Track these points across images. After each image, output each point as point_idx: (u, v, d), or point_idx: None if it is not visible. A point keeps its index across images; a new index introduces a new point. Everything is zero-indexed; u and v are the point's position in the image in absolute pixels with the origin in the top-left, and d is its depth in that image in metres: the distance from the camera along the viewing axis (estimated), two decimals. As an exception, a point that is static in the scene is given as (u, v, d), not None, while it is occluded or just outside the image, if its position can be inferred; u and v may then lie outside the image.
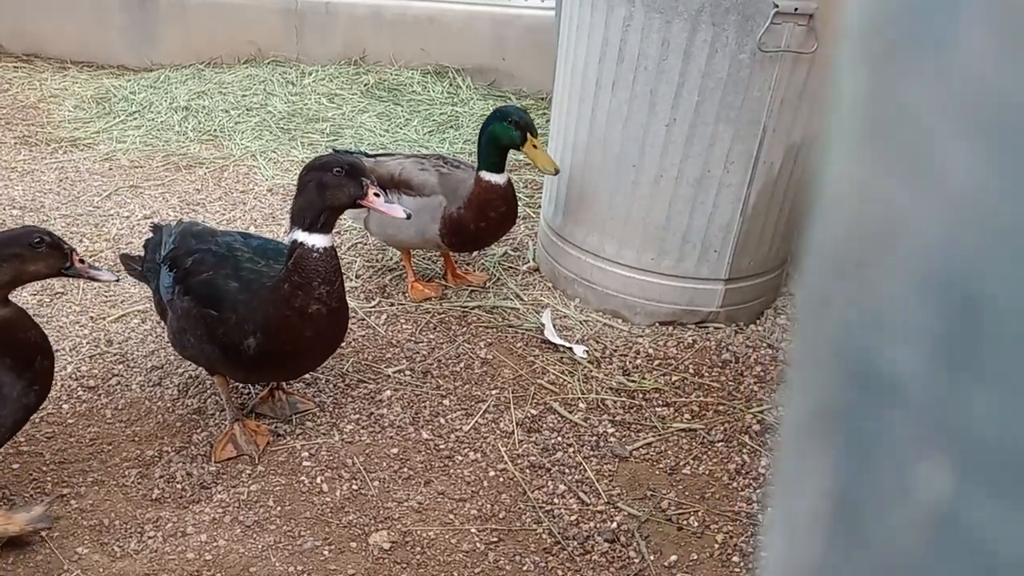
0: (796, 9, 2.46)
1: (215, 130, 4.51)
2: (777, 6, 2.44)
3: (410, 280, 3.11)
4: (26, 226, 1.94)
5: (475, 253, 3.38)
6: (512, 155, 2.94)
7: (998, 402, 0.26)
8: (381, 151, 3.34)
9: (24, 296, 2.98)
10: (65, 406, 2.48)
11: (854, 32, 0.30)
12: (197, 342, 2.21)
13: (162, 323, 2.52)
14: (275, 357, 2.18)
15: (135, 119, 4.63)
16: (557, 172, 2.79)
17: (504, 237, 3.47)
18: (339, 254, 3.31)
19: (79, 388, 2.56)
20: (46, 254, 1.89)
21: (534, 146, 2.78)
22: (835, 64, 0.32)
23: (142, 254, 2.50)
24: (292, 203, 2.21)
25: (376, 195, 2.17)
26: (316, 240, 2.13)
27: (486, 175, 2.84)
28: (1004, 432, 0.26)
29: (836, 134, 0.32)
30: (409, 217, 2.28)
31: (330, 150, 3.23)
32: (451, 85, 5.16)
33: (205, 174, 4.03)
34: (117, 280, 2.16)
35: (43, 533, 2.04)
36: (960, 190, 0.26)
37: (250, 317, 2.13)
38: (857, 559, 0.30)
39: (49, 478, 2.22)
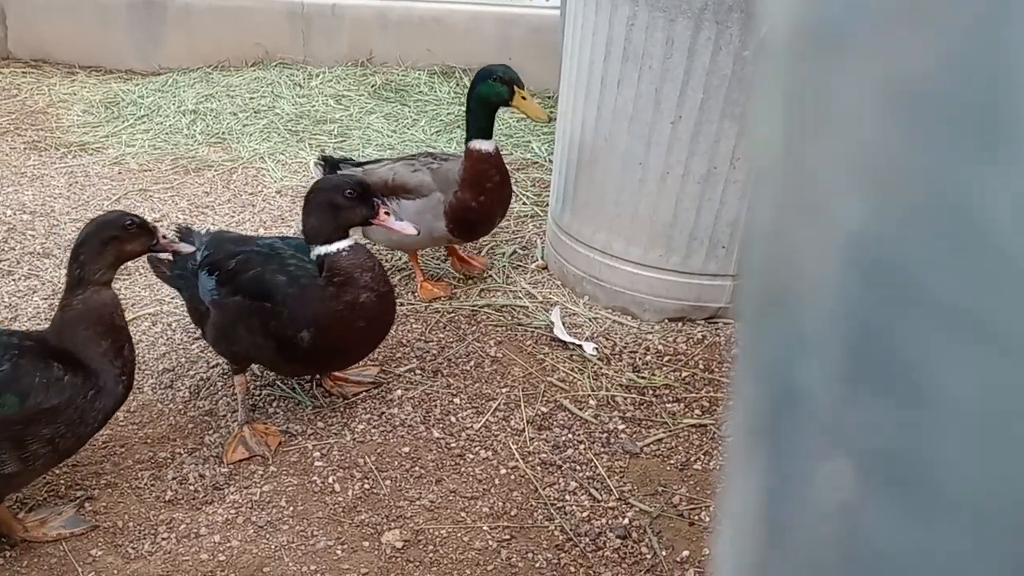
0: (801, 4, 2.46)
1: (223, 133, 4.53)
2: (782, 2, 2.44)
3: (419, 280, 3.12)
4: (114, 211, 2.10)
5: (481, 240, 3.39)
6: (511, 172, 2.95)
7: (888, 413, 0.30)
8: (368, 158, 3.31)
9: (35, 301, 3.00)
10: (78, 409, 2.50)
11: (769, 92, 0.34)
12: (250, 336, 2.26)
13: (195, 327, 2.55)
14: (329, 350, 2.26)
15: (143, 123, 4.65)
16: (550, 120, 2.89)
17: (511, 236, 3.48)
18: (348, 255, 3.33)
19: (92, 391, 2.57)
20: (138, 234, 2.05)
21: (523, 98, 2.84)
22: (751, 117, 0.35)
23: (170, 259, 2.48)
24: (303, 221, 2.27)
25: (387, 214, 2.22)
26: (339, 245, 2.22)
27: (476, 144, 2.87)
28: (896, 438, 0.30)
29: (757, 181, 0.35)
30: (419, 233, 2.32)
31: (318, 160, 3.22)
32: (458, 85, 5.17)
33: (214, 177, 4.05)
34: (194, 251, 2.27)
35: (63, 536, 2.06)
36: (850, 237, 0.30)
37: (302, 312, 2.20)
38: (782, 556, 0.35)
39: (63, 481, 2.24)
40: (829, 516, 0.32)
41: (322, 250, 2.23)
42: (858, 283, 0.30)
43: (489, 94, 2.83)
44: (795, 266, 0.32)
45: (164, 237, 2.13)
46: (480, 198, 2.89)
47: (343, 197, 2.21)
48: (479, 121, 2.87)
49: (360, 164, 3.18)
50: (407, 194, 2.95)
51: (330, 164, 3.17)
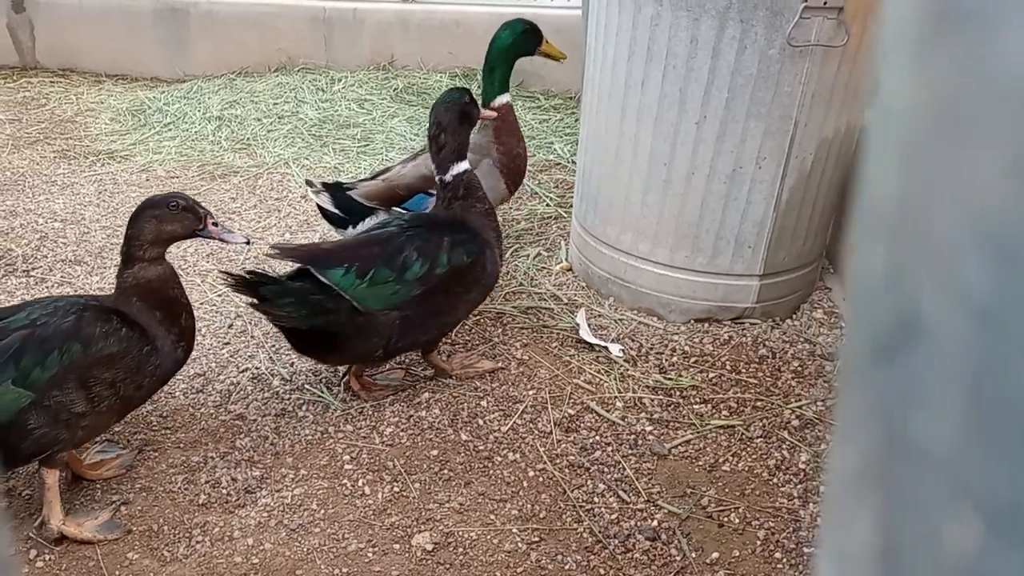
0: (825, 2, 2.45)
1: (248, 139, 4.57)
2: (806, 0, 2.44)
3: None
4: (170, 192, 2.17)
5: (508, 253, 3.40)
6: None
7: (1015, 469, 0.30)
8: (379, 169, 3.36)
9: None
10: (111, 414, 2.53)
11: (885, 144, 0.33)
12: (467, 293, 2.46)
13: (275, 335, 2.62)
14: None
15: (170, 130, 4.70)
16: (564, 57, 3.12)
17: (535, 238, 3.49)
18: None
19: (124, 396, 2.61)
20: (181, 216, 2.12)
21: (547, 41, 3.21)
22: (867, 158, 0.35)
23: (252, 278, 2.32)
24: (436, 154, 2.49)
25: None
26: (465, 164, 2.52)
27: (501, 98, 3.14)
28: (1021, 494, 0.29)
29: (868, 229, 0.35)
30: (249, 243, 2.52)
31: (320, 188, 3.04)
32: (478, 87, 5.18)
33: (240, 182, 4.08)
34: (248, 244, 2.32)
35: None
36: (979, 302, 0.30)
37: (487, 243, 2.48)
38: None
39: (98, 485, 2.27)
40: (953, 565, 0.31)
41: (458, 168, 2.48)
42: (983, 334, 0.30)
43: (523, 43, 3.11)
44: (915, 316, 0.32)
45: (215, 224, 2.18)
46: (520, 143, 3.16)
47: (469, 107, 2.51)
48: (502, 76, 3.13)
49: (378, 175, 3.13)
50: None
51: (329, 189, 3.01)
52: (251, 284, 2.26)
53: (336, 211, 2.97)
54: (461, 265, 2.39)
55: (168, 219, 2.10)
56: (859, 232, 0.35)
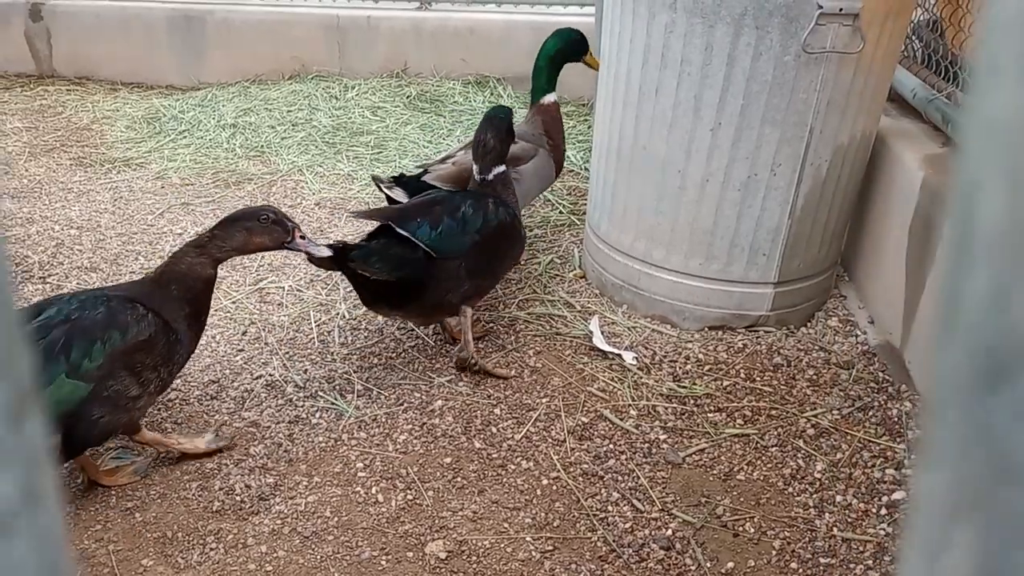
0: (841, 9, 2.44)
1: (262, 146, 4.59)
2: (821, 7, 2.43)
3: None
4: (261, 204, 2.31)
5: (523, 261, 3.40)
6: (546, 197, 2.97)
7: None
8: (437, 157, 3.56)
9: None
10: (126, 421, 2.54)
11: (992, 159, 0.32)
12: (510, 248, 2.81)
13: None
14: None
15: (184, 138, 4.72)
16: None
17: (549, 246, 3.49)
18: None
19: (139, 403, 2.62)
20: (270, 228, 2.27)
21: (590, 52, 3.50)
22: (963, 176, 0.33)
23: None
24: (483, 157, 2.79)
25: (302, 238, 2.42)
26: (503, 167, 2.83)
27: (549, 97, 3.43)
28: None
29: (969, 248, 0.33)
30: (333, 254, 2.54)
31: (389, 182, 3.14)
32: (492, 94, 5.19)
33: (254, 190, 4.09)
34: (332, 255, 2.42)
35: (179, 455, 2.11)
36: None
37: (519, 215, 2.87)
38: None
39: (113, 492, 2.27)
40: None
41: (498, 168, 2.82)
42: None
43: (576, 49, 3.38)
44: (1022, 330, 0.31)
45: (302, 237, 2.34)
46: (562, 136, 3.46)
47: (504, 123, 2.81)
48: (550, 77, 3.41)
49: (442, 159, 3.27)
50: (518, 163, 3.24)
51: (408, 183, 3.11)
52: (338, 257, 2.43)
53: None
54: (505, 221, 2.74)
55: (259, 231, 2.26)
56: (957, 253, 0.34)
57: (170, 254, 2.29)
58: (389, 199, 3.08)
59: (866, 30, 2.49)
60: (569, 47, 3.39)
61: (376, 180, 3.10)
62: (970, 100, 0.32)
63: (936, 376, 0.36)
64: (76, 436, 2.08)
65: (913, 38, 3.41)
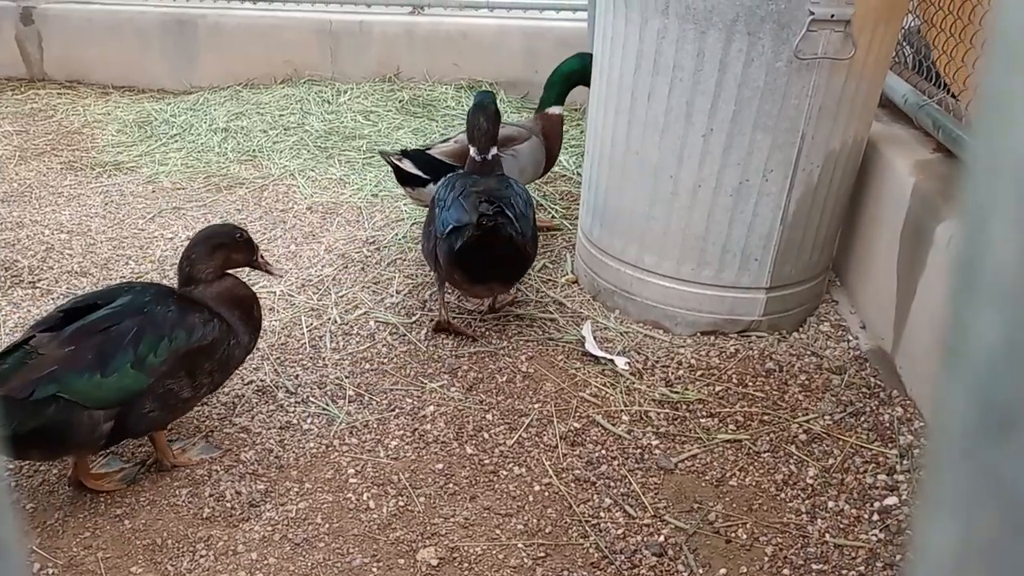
0: (833, 15, 2.45)
1: (254, 150, 4.58)
2: (813, 13, 2.43)
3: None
4: (224, 223, 2.41)
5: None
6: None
7: None
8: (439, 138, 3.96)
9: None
10: (116, 427, 2.53)
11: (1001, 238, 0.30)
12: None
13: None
14: None
15: (176, 141, 4.71)
16: None
17: (541, 250, 3.48)
18: (378, 272, 3.35)
19: (129, 409, 2.60)
20: (244, 247, 2.37)
21: None
22: (971, 219, 0.32)
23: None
24: (479, 139, 3.00)
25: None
26: (495, 150, 3.06)
27: (554, 108, 3.63)
28: None
29: (978, 294, 0.32)
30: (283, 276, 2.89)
31: (398, 156, 3.51)
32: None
33: (245, 194, 4.08)
34: (282, 277, 2.57)
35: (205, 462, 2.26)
36: None
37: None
38: None
39: (102, 498, 2.26)
40: None
41: (494, 150, 3.05)
42: None
43: (584, 74, 3.44)
44: None
45: (262, 258, 2.46)
46: (558, 145, 3.69)
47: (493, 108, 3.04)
48: (560, 92, 3.61)
49: (443, 140, 3.62)
50: (513, 143, 3.47)
51: (415, 156, 3.47)
52: (488, 226, 2.66)
53: (419, 173, 3.41)
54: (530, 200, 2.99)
55: (236, 248, 2.36)
56: (965, 297, 0.32)
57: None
58: (396, 170, 3.42)
59: (857, 36, 2.50)
60: (587, 72, 3.39)
61: (384, 154, 3.47)
62: (976, 137, 0.31)
63: (940, 422, 0.34)
64: (125, 426, 2.12)
65: (904, 44, 3.42)
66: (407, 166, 3.40)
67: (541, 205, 3.95)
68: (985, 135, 0.30)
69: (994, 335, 0.30)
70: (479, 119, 3.00)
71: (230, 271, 2.38)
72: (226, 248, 2.33)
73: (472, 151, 3.05)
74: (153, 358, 2.09)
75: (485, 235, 2.65)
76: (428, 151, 3.46)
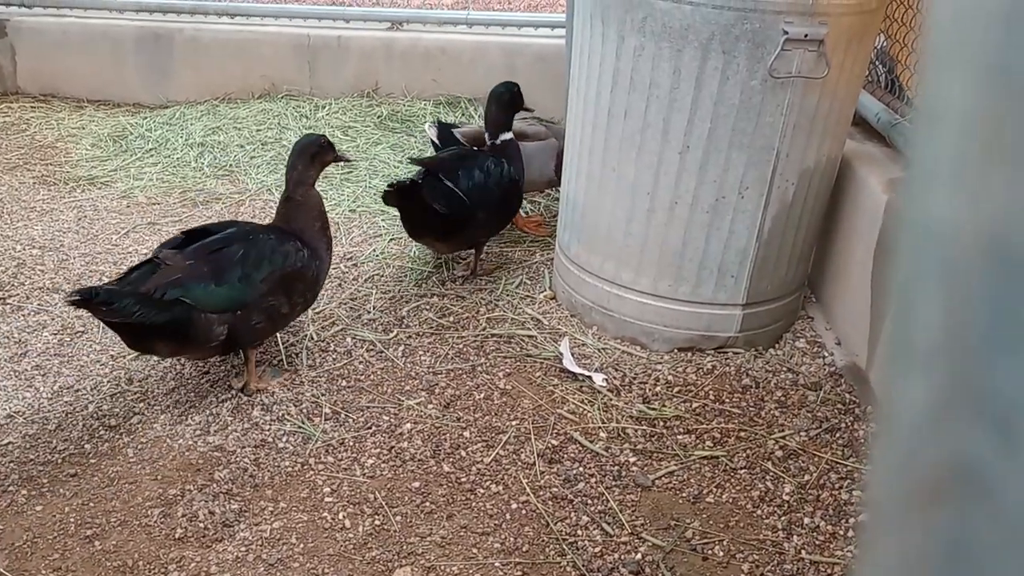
0: (806, 35, 2.47)
1: (231, 165, 4.55)
2: (787, 33, 2.45)
3: (520, 221, 3.83)
4: (310, 134, 2.85)
5: (492, 271, 3.39)
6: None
7: None
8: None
9: (45, 336, 3.01)
10: (87, 446, 2.49)
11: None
12: (515, 204, 3.47)
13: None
14: None
15: (151, 156, 4.67)
16: None
17: (519, 266, 3.49)
18: (355, 288, 3.33)
19: (100, 427, 2.57)
20: (329, 148, 2.81)
21: None
22: (900, 281, 0.31)
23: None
24: (490, 125, 3.45)
25: None
26: (510, 135, 3.46)
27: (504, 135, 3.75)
28: None
29: (904, 357, 0.31)
30: None
31: (432, 123, 3.99)
32: (463, 115, 5.19)
33: (222, 209, 4.06)
34: (403, 186, 3.05)
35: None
36: None
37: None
38: None
39: (72, 519, 2.22)
40: None
41: (505, 135, 3.44)
42: None
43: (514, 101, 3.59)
44: (963, 462, 0.29)
45: (340, 153, 2.89)
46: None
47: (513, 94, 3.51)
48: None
49: (463, 124, 4.00)
50: (525, 139, 3.69)
51: (442, 127, 3.90)
52: (408, 190, 3.05)
53: (437, 141, 3.84)
54: (515, 179, 3.38)
55: (324, 152, 2.80)
56: (893, 361, 0.31)
57: (282, 202, 2.79)
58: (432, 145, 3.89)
59: (831, 55, 2.52)
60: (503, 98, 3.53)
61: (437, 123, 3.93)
62: (904, 202, 0.31)
63: (873, 484, 0.34)
64: (238, 334, 2.55)
65: (876, 63, 3.46)
66: (431, 132, 3.89)
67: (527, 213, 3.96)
68: (913, 200, 0.30)
69: (919, 400, 0.30)
70: (490, 106, 3.43)
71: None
72: (320, 153, 2.78)
73: (486, 136, 3.47)
74: (256, 275, 2.52)
75: (398, 193, 3.05)
76: (454, 128, 3.88)
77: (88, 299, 2.26)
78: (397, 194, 3.06)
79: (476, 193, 3.15)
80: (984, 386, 0.28)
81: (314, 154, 2.78)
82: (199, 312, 2.44)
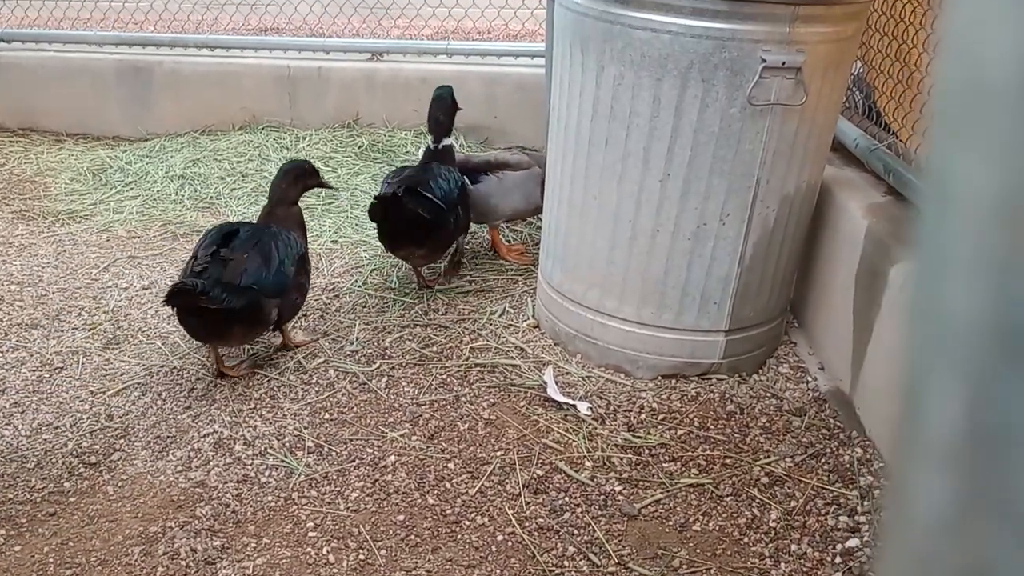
0: (784, 63, 2.49)
1: (211, 197, 4.54)
2: (765, 60, 2.48)
3: (503, 249, 3.86)
4: (297, 158, 3.33)
5: (473, 300, 3.38)
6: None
7: None
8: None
9: (24, 373, 2.97)
10: (67, 484, 2.46)
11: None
12: (467, 207, 3.66)
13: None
14: None
15: (131, 189, 4.65)
16: None
17: (502, 295, 3.48)
18: (337, 319, 3.32)
19: (80, 465, 2.53)
20: (312, 173, 3.19)
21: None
22: (918, 379, 0.29)
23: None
24: (438, 128, 3.64)
25: None
26: (450, 140, 3.69)
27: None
28: None
29: (922, 456, 0.29)
30: None
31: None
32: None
33: (202, 242, 4.03)
34: (386, 197, 3.23)
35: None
36: None
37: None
38: None
39: (51, 559, 2.19)
40: None
41: (447, 141, 3.67)
42: None
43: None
44: (984, 563, 0.27)
45: (324, 179, 3.27)
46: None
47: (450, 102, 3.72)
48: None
49: (463, 153, 4.03)
50: (508, 168, 3.78)
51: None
52: (391, 200, 3.20)
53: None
54: (461, 185, 3.57)
55: (309, 175, 3.19)
56: (909, 458, 0.30)
57: (263, 213, 3.13)
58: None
59: (808, 83, 2.55)
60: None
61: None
62: (915, 290, 0.30)
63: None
64: (283, 310, 2.93)
65: (854, 89, 3.50)
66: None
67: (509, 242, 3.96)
68: (926, 290, 0.29)
69: (937, 503, 0.28)
70: (436, 113, 3.63)
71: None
72: (304, 176, 3.16)
73: (429, 140, 3.65)
74: (288, 260, 2.91)
75: (383, 205, 3.19)
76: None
77: (190, 290, 2.60)
78: (382, 206, 3.20)
79: (447, 199, 3.37)
80: (1008, 486, 0.26)
81: (297, 176, 3.13)
82: (264, 296, 2.82)
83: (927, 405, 0.28)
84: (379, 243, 3.46)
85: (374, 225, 3.38)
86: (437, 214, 3.30)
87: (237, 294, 2.72)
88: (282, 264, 2.88)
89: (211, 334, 2.86)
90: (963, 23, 0.27)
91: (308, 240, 3.23)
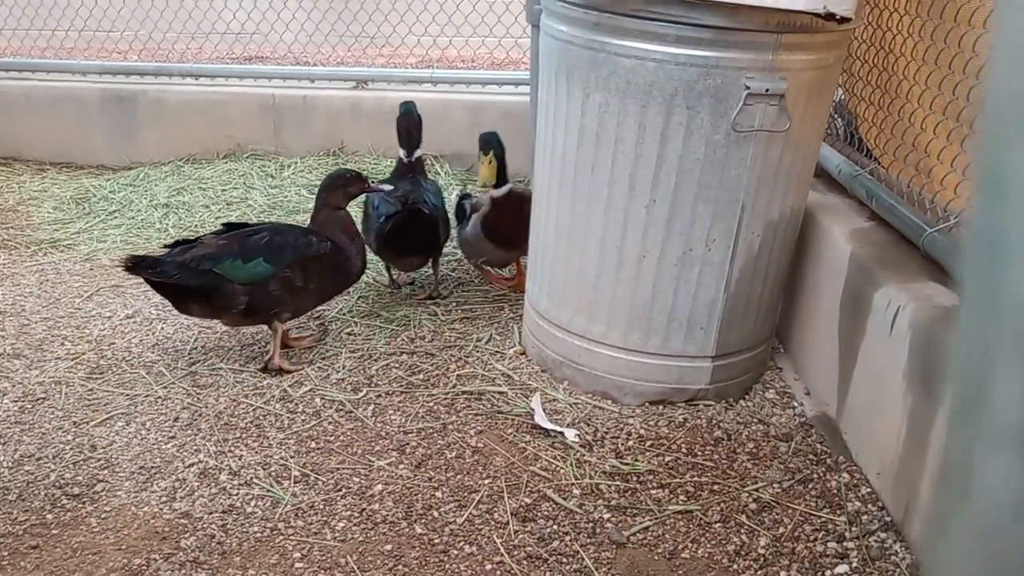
0: (767, 90, 2.52)
1: (196, 226, 4.52)
2: (749, 88, 2.50)
3: (493, 276, 3.96)
4: (340, 168, 3.57)
5: (460, 326, 3.38)
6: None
7: None
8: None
9: (5, 404, 2.93)
10: (49, 516, 2.42)
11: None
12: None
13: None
14: None
15: (115, 218, 4.63)
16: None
17: (489, 322, 3.48)
18: (324, 347, 3.30)
19: (63, 496, 2.50)
20: (356, 180, 3.31)
21: None
22: (964, 352, 0.29)
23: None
24: (410, 142, 3.78)
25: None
26: (421, 151, 3.83)
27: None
28: None
29: (990, 437, 0.29)
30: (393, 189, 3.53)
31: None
32: (430, 172, 5.22)
33: (187, 270, 4.01)
34: (392, 189, 3.49)
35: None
36: None
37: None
38: None
39: (33, 593, 2.15)
40: None
41: (418, 153, 3.82)
42: None
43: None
44: None
45: (372, 183, 3.38)
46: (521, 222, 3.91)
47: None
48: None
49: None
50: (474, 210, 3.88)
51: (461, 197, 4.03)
52: (402, 207, 3.45)
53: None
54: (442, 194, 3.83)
55: (350, 183, 3.30)
56: (976, 443, 0.29)
57: (311, 218, 3.32)
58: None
59: (792, 109, 2.57)
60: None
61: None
62: (970, 279, 0.29)
63: (948, 564, 0.31)
64: (256, 300, 3.03)
65: (836, 116, 3.53)
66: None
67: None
68: (982, 271, 0.28)
69: (1009, 481, 0.27)
70: (408, 127, 3.80)
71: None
72: (344, 184, 3.28)
73: (401, 153, 3.78)
74: (280, 257, 3.04)
75: (411, 216, 3.41)
76: (465, 199, 3.94)
77: (138, 264, 2.91)
78: (406, 220, 3.43)
79: (440, 210, 3.64)
80: None
81: (337, 184, 3.30)
82: (227, 281, 2.99)
83: (992, 389, 0.28)
84: (373, 255, 3.59)
85: None
86: (433, 224, 3.56)
87: (189, 273, 2.95)
88: (270, 259, 3.03)
89: (179, 307, 3.11)
90: (1017, 31, 0.28)
91: (359, 237, 3.37)
